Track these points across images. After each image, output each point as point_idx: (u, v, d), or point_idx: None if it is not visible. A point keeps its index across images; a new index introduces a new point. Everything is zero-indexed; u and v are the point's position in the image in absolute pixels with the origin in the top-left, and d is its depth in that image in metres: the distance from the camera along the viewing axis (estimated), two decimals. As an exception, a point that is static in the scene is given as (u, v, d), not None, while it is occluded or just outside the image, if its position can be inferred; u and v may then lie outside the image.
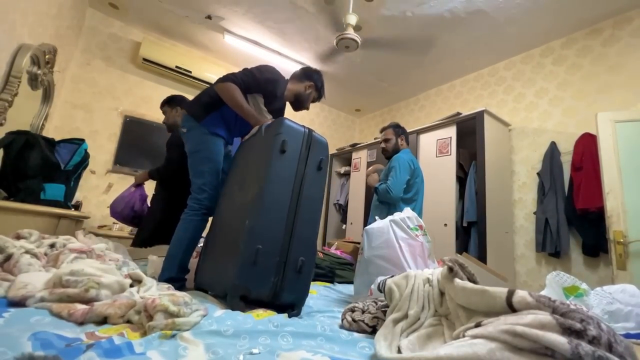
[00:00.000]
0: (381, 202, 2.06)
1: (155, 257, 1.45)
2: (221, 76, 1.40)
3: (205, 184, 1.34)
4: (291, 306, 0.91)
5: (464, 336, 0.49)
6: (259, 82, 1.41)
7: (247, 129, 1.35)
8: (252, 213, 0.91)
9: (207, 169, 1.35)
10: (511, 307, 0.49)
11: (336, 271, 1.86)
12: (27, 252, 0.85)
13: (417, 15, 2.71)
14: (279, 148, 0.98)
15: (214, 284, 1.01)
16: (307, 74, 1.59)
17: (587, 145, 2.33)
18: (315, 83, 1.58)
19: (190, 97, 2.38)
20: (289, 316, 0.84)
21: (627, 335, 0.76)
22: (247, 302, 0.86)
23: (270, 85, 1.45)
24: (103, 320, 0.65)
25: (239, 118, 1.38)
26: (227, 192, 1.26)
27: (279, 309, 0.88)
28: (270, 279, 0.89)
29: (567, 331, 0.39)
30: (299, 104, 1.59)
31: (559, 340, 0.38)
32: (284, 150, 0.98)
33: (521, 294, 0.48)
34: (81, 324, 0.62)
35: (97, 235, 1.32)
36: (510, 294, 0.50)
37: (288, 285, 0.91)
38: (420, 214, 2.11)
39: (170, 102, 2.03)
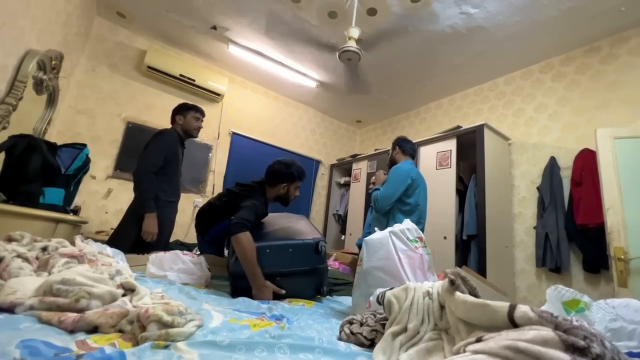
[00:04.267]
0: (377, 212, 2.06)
1: (156, 254, 1.46)
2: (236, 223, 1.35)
3: None
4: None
5: (464, 351, 0.48)
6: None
7: None
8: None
9: None
10: (513, 322, 0.48)
11: (334, 288, 1.84)
12: (18, 255, 0.84)
13: (419, 30, 2.76)
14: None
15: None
16: (278, 177, 1.64)
17: (587, 161, 2.34)
18: (288, 181, 1.65)
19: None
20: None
21: (630, 354, 0.74)
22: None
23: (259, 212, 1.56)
24: (94, 329, 0.63)
25: None
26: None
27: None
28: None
29: (570, 348, 0.38)
30: (285, 202, 1.70)
31: (562, 357, 0.37)
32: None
33: (523, 309, 0.48)
34: (71, 332, 0.61)
35: (95, 240, 1.31)
36: (512, 308, 0.49)
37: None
38: (424, 225, 2.09)
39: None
